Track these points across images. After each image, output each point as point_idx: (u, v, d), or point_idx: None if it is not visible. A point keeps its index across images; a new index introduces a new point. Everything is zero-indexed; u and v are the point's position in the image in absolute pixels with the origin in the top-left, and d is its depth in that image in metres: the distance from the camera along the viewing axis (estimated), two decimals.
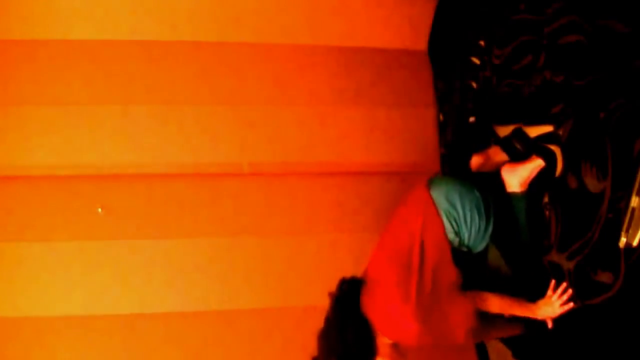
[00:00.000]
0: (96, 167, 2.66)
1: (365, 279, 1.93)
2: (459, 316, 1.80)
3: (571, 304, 1.85)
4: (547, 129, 1.99)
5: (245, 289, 2.61)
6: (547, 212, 1.99)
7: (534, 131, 2.07)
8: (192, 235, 2.62)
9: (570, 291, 1.86)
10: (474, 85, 2.58)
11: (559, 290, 1.87)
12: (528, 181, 2.01)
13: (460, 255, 1.92)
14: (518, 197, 2.02)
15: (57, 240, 2.55)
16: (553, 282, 1.90)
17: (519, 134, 2.15)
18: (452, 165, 2.81)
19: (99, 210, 2.59)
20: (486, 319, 1.92)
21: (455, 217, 1.88)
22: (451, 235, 1.88)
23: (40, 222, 2.56)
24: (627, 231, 1.59)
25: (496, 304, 1.88)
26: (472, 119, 2.61)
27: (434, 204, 1.90)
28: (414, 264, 1.82)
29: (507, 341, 2.25)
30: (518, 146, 2.14)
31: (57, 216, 2.57)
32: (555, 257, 1.93)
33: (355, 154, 2.83)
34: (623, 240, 1.60)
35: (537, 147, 2.01)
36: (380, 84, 2.90)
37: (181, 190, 2.68)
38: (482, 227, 1.90)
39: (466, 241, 1.91)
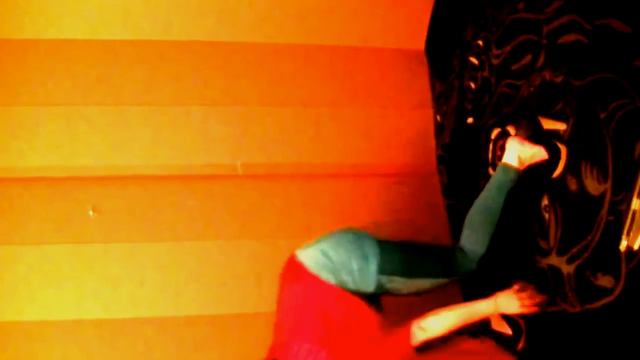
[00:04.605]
0: (87, 168, 2.66)
1: None
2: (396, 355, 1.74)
3: (535, 309, 1.79)
4: (560, 126, 1.95)
5: (239, 292, 2.60)
6: (546, 215, 1.96)
7: (547, 124, 2.03)
8: (185, 238, 2.62)
9: (540, 297, 1.82)
10: (472, 85, 2.56)
11: (525, 290, 1.82)
12: (526, 164, 1.96)
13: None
14: (510, 170, 1.95)
15: (48, 243, 2.55)
16: (519, 283, 1.86)
17: (533, 122, 2.07)
18: (451, 167, 2.79)
19: (90, 212, 2.58)
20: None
21: (331, 267, 1.80)
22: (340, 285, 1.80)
23: (31, 225, 2.56)
24: (628, 234, 1.57)
25: (447, 322, 1.77)
26: (470, 120, 2.59)
27: (303, 265, 1.83)
28: (321, 334, 1.74)
29: (507, 347, 2.22)
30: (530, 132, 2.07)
31: (48, 219, 2.57)
32: (554, 260, 1.91)
33: (351, 155, 2.82)
34: (624, 244, 1.58)
35: (546, 139, 1.97)
36: (376, 84, 2.89)
37: (174, 193, 2.67)
38: (364, 266, 1.80)
39: (353, 285, 1.81)
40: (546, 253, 1.95)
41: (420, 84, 2.98)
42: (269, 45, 2.84)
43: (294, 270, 1.87)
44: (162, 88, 2.72)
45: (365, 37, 2.91)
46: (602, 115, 1.67)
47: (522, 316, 2.10)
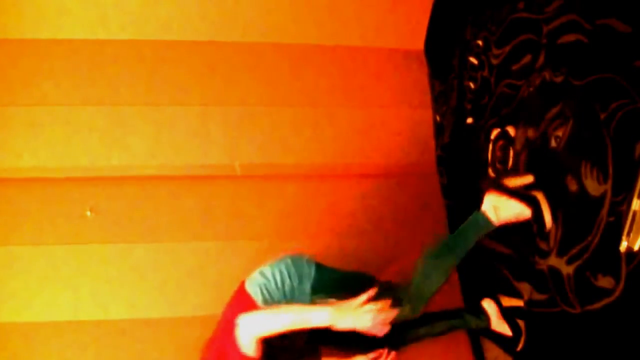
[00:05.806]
0: (85, 169, 2.65)
1: None
2: None
3: (376, 332, 1.61)
4: (527, 179, 1.96)
5: None
6: None
7: (512, 182, 2.02)
8: (184, 239, 2.61)
9: (390, 314, 1.61)
10: (472, 85, 2.55)
11: (373, 304, 1.58)
12: (504, 222, 1.93)
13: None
14: (482, 222, 1.93)
15: (45, 244, 2.54)
16: (372, 290, 1.63)
17: (498, 186, 2.02)
18: (450, 168, 2.78)
19: (88, 213, 2.57)
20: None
21: (266, 285, 1.83)
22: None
23: (28, 226, 2.55)
24: (628, 235, 1.56)
25: (271, 323, 1.63)
26: (469, 120, 2.58)
27: (245, 290, 1.85)
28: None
29: (507, 348, 2.21)
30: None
31: (45, 219, 2.56)
32: (554, 261, 1.90)
33: (350, 155, 2.82)
34: (624, 244, 1.57)
35: (520, 196, 1.94)
36: (375, 84, 2.88)
37: (172, 193, 2.67)
38: (298, 287, 1.82)
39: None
40: (546, 254, 1.94)
41: (420, 84, 2.98)
42: (268, 46, 2.84)
43: (237, 290, 1.91)
44: (160, 88, 2.72)
45: (365, 37, 2.91)
46: (602, 116, 1.66)
47: (521, 317, 2.10)
